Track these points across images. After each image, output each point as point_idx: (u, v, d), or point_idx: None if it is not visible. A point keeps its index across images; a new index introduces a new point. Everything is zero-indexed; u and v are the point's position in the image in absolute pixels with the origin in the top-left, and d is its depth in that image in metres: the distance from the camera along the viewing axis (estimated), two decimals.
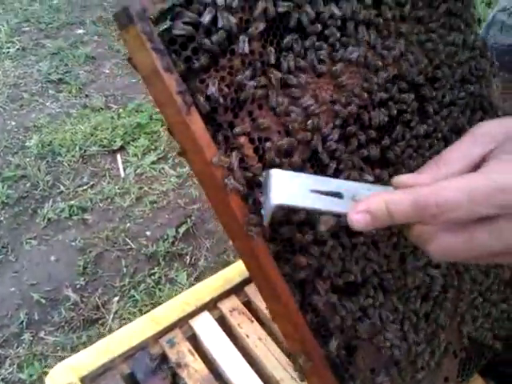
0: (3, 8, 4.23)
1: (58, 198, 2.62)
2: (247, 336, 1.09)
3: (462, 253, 0.47)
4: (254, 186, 0.56)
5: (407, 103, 0.70)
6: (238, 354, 1.05)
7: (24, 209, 2.56)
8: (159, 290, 2.18)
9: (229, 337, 1.08)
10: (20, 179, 2.72)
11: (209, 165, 0.53)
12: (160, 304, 1.17)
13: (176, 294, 1.99)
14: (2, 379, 1.89)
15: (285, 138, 0.58)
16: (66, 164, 2.81)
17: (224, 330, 1.10)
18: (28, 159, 2.83)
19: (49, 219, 2.50)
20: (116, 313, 2.11)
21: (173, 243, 2.39)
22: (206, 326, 1.10)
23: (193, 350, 1.06)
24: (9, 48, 3.74)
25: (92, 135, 2.97)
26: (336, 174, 0.63)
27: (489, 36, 1.18)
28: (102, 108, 3.22)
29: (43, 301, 2.16)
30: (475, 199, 0.43)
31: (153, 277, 2.25)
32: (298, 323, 0.64)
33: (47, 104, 3.25)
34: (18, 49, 3.74)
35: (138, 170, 2.77)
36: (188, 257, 2.34)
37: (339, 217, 0.54)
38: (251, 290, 1.16)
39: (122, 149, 2.92)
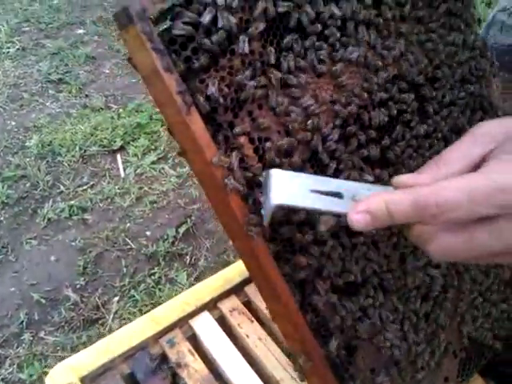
0: (3, 8, 4.23)
1: (58, 197, 2.62)
2: (247, 336, 1.09)
3: (462, 253, 0.47)
4: (254, 186, 0.56)
5: (407, 103, 0.70)
6: (238, 354, 1.05)
7: (24, 209, 2.56)
8: (159, 289, 2.18)
9: (229, 337, 1.09)
10: (20, 179, 2.72)
11: (209, 165, 0.53)
12: (160, 304, 1.17)
13: (176, 294, 1.99)
14: (2, 379, 1.89)
15: (285, 138, 0.58)
16: (66, 164, 2.81)
17: (224, 330, 1.10)
18: (28, 159, 2.83)
19: (49, 219, 2.50)
20: (116, 313, 2.11)
21: (173, 243, 2.39)
22: (206, 326, 1.10)
23: (193, 350, 1.06)
24: (9, 48, 3.74)
25: (92, 135, 2.97)
26: (336, 174, 0.63)
27: (489, 36, 1.18)
28: (102, 108, 3.21)
29: (43, 301, 2.16)
30: (475, 199, 0.43)
31: (153, 277, 2.24)
32: (298, 323, 0.64)
33: (47, 104, 3.25)
34: (18, 49, 3.74)
35: (138, 170, 2.77)
36: (188, 257, 2.34)
37: (339, 217, 0.54)
38: (251, 290, 1.16)
39: (122, 149, 2.92)
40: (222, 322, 1.13)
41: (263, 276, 0.60)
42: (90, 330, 2.05)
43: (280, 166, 0.56)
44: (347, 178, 0.63)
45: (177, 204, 2.59)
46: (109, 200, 2.61)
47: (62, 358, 1.16)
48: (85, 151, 2.89)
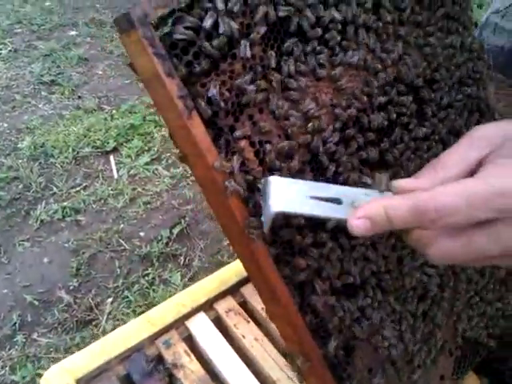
0: None
1: (50, 199, 2.61)
2: (243, 336, 1.09)
3: (460, 256, 0.47)
4: (255, 189, 0.56)
5: (406, 105, 0.70)
6: (235, 354, 1.06)
7: (17, 210, 2.55)
8: (153, 290, 2.18)
9: (225, 337, 1.09)
10: (12, 181, 2.71)
11: (210, 169, 0.53)
12: (154, 305, 1.17)
13: (170, 295, 2.00)
14: None
15: (285, 141, 0.58)
16: (59, 165, 2.80)
17: (220, 331, 1.10)
18: (20, 161, 2.82)
19: (42, 221, 2.50)
20: (109, 314, 2.11)
21: (167, 244, 2.39)
22: (202, 327, 1.10)
23: (189, 351, 1.06)
24: (1, 50, 3.72)
25: (85, 136, 2.96)
26: (335, 177, 0.63)
27: (482, 38, 1.20)
28: (94, 109, 3.21)
29: (36, 302, 2.15)
30: (474, 204, 0.43)
31: (146, 278, 2.24)
32: (297, 325, 0.64)
33: (40, 106, 3.24)
34: (10, 50, 3.73)
35: (132, 171, 2.77)
36: (182, 257, 2.34)
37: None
38: (247, 291, 1.16)
39: (115, 150, 2.92)
40: (218, 322, 1.13)
41: (263, 278, 0.60)
42: (84, 332, 2.04)
43: (280, 170, 0.57)
44: (346, 180, 0.63)
45: (170, 205, 2.59)
46: (102, 201, 2.61)
47: (56, 360, 1.16)
48: (78, 153, 2.88)
